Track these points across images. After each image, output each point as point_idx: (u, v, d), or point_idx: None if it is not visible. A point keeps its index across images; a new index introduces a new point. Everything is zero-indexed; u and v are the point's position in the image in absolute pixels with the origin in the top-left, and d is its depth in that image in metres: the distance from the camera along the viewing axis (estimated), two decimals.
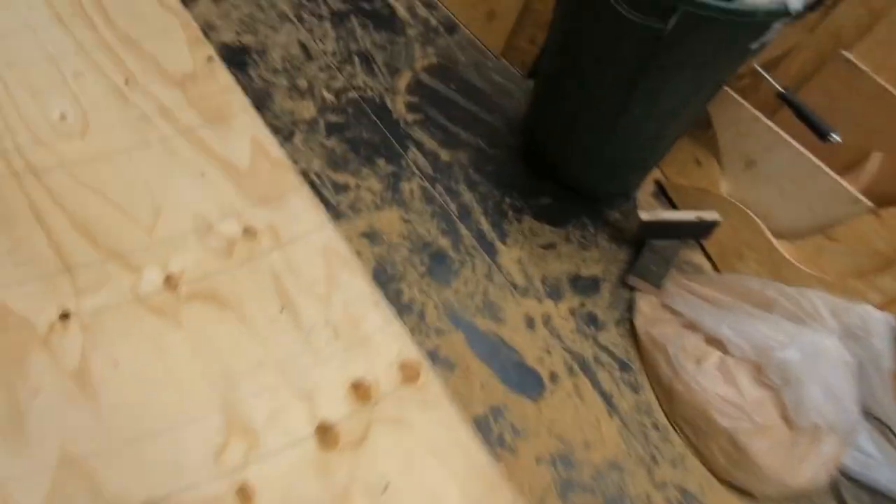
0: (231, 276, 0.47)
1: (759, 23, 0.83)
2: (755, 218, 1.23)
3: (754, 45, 0.89)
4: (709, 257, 1.33)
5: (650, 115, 1.07)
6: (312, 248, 0.51)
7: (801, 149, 1.14)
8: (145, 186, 0.51)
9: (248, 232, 0.50)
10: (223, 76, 0.59)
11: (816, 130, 0.98)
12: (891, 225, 1.05)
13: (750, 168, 1.25)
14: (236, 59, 1.50)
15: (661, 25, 0.84)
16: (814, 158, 1.13)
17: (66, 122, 0.54)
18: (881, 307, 1.05)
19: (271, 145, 0.56)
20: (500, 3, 1.54)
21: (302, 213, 0.52)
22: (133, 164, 0.52)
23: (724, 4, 0.80)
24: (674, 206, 1.40)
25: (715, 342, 1.11)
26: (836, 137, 0.96)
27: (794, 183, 1.18)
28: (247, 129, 0.56)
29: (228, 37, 1.54)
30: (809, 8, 0.84)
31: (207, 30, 1.54)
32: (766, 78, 1.02)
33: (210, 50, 0.61)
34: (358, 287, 0.49)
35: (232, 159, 0.54)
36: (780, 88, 1.02)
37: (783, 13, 0.81)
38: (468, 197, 1.36)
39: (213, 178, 0.53)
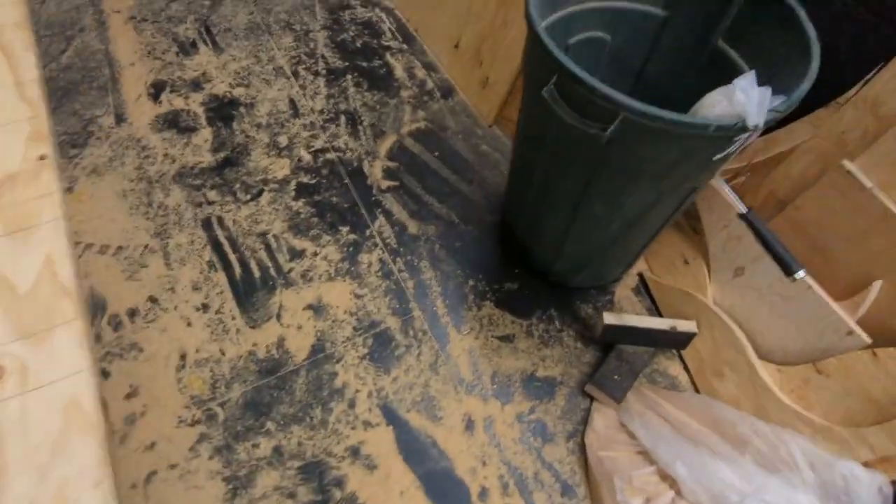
0: None
1: (712, 136, 0.72)
2: (739, 335, 1.08)
3: (718, 156, 0.78)
4: (687, 369, 1.18)
5: (612, 216, 0.96)
6: (57, 399, 0.44)
7: (794, 257, 1.00)
8: None
9: None
10: (48, 179, 0.55)
11: (781, 263, 0.85)
12: (888, 369, 0.89)
13: (738, 276, 1.11)
14: (224, 111, 1.50)
15: (602, 133, 0.75)
16: (807, 277, 0.99)
17: None
18: (869, 465, 0.88)
19: (64, 266, 0.50)
20: (493, 70, 1.48)
21: (65, 353, 0.46)
22: None
23: (669, 115, 0.70)
24: (655, 305, 1.26)
25: (670, 478, 0.97)
26: (802, 275, 0.82)
27: (784, 301, 1.03)
28: (45, 244, 0.51)
29: (221, 88, 1.54)
30: (779, 123, 0.73)
31: (203, 80, 1.55)
32: (726, 193, 0.90)
33: (47, 148, 0.57)
34: (87, 458, 0.42)
35: (14, 279, 0.49)
36: (743, 208, 0.89)
37: (740, 128, 0.70)
38: (429, 275, 1.27)
39: None
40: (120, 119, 1.46)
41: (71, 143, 1.40)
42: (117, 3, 1.73)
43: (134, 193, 1.33)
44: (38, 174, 0.55)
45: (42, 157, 0.57)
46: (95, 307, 1.17)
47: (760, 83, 0.88)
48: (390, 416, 1.08)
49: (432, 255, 1.30)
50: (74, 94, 1.49)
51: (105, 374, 1.09)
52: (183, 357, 1.12)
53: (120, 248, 1.25)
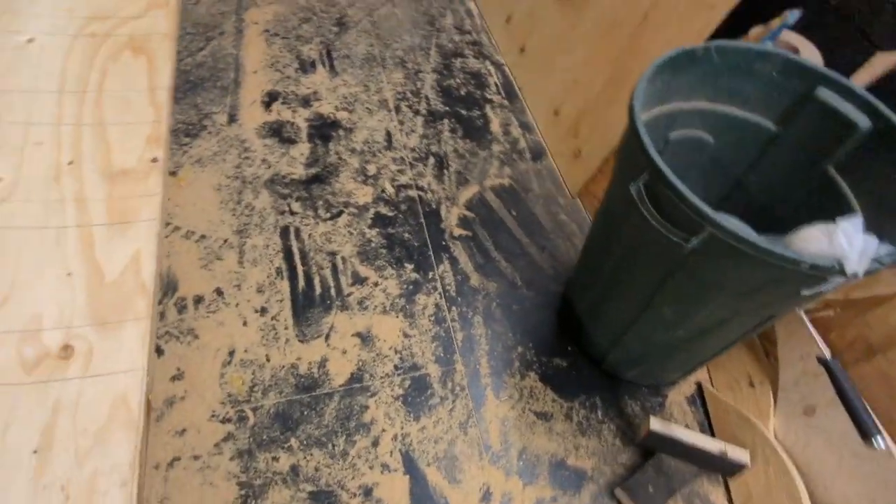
0: (14, 396, 0.44)
1: (804, 273, 0.68)
2: (798, 481, 0.99)
3: (806, 293, 0.73)
4: (731, 500, 1.09)
5: (680, 322, 0.92)
6: (110, 391, 0.46)
7: (875, 420, 0.91)
8: (14, 268, 0.51)
9: (66, 350, 0.48)
10: (154, 181, 0.59)
11: (858, 424, 0.77)
12: None
13: (808, 416, 1.02)
14: (325, 130, 1.59)
15: (684, 243, 0.73)
16: (889, 440, 0.89)
17: None
18: None
19: (148, 264, 0.53)
20: (588, 144, 1.48)
21: (128, 347, 0.49)
22: (19, 243, 0.53)
23: (760, 242, 0.67)
24: (708, 421, 1.18)
25: None
26: (880, 443, 0.74)
27: (857, 458, 0.93)
28: (138, 241, 0.55)
29: (327, 109, 1.64)
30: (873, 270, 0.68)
31: (312, 99, 1.66)
32: (809, 329, 0.83)
33: (160, 152, 0.62)
34: (121, 456, 0.44)
35: (104, 267, 0.53)
36: (826, 353, 0.82)
37: (836, 271, 0.65)
38: (480, 331, 1.26)
39: (74, 282, 0.52)
40: (232, 119, 1.57)
41: (185, 132, 1.52)
42: (258, 15, 1.89)
43: (227, 189, 1.42)
44: (148, 175, 0.60)
45: (154, 160, 0.62)
46: (168, 286, 1.24)
47: (869, 225, 0.83)
48: (409, 465, 1.07)
49: (488, 311, 1.30)
50: (199, 90, 1.63)
51: (159, 351, 1.15)
52: (231, 353, 1.16)
53: (203, 236, 1.33)
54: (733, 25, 1.12)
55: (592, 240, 1.14)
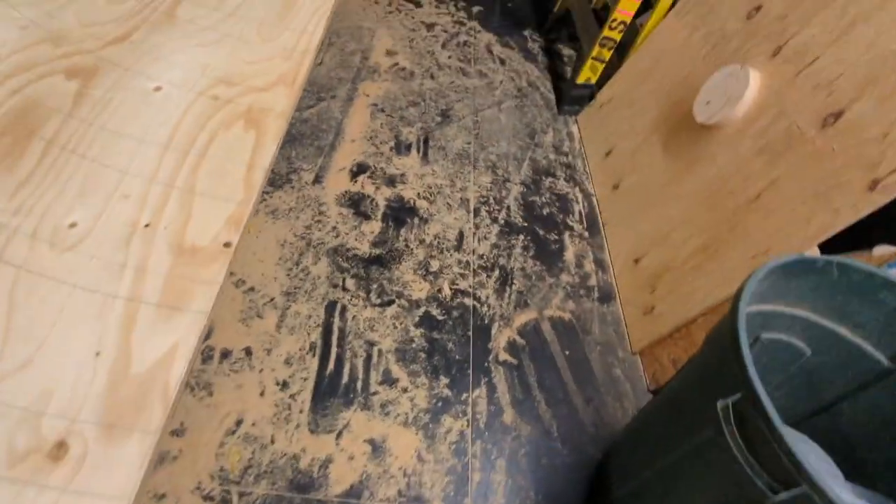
0: None
1: None
2: None
3: None
4: None
5: None
6: None
7: None
8: (49, 328, 0.47)
9: (60, 448, 0.42)
10: (219, 268, 0.56)
11: None
12: None
13: None
14: (400, 215, 1.58)
15: (769, 491, 0.62)
16: None
17: (69, 232, 0.54)
18: None
19: (181, 365, 0.48)
20: (663, 304, 1.39)
21: (125, 466, 0.43)
22: (65, 301, 0.49)
23: None
24: None
25: None
26: None
27: None
28: (179, 332, 0.50)
29: (409, 194, 1.64)
30: None
31: (398, 181, 1.66)
32: None
33: (235, 237, 0.59)
34: None
35: (135, 354, 0.48)
36: None
37: None
38: (500, 479, 1.14)
39: (98, 364, 0.47)
40: (317, 180, 1.59)
41: (271, 181, 1.55)
42: (371, 88, 1.96)
43: (290, 248, 1.41)
44: (215, 259, 0.56)
45: (226, 245, 0.58)
46: None
47: None
48: None
49: (514, 458, 1.18)
50: (297, 144, 1.67)
51: None
52: (239, 423, 1.09)
53: (252, 288, 1.31)
54: (855, 236, 1.04)
55: (649, 421, 1.02)
